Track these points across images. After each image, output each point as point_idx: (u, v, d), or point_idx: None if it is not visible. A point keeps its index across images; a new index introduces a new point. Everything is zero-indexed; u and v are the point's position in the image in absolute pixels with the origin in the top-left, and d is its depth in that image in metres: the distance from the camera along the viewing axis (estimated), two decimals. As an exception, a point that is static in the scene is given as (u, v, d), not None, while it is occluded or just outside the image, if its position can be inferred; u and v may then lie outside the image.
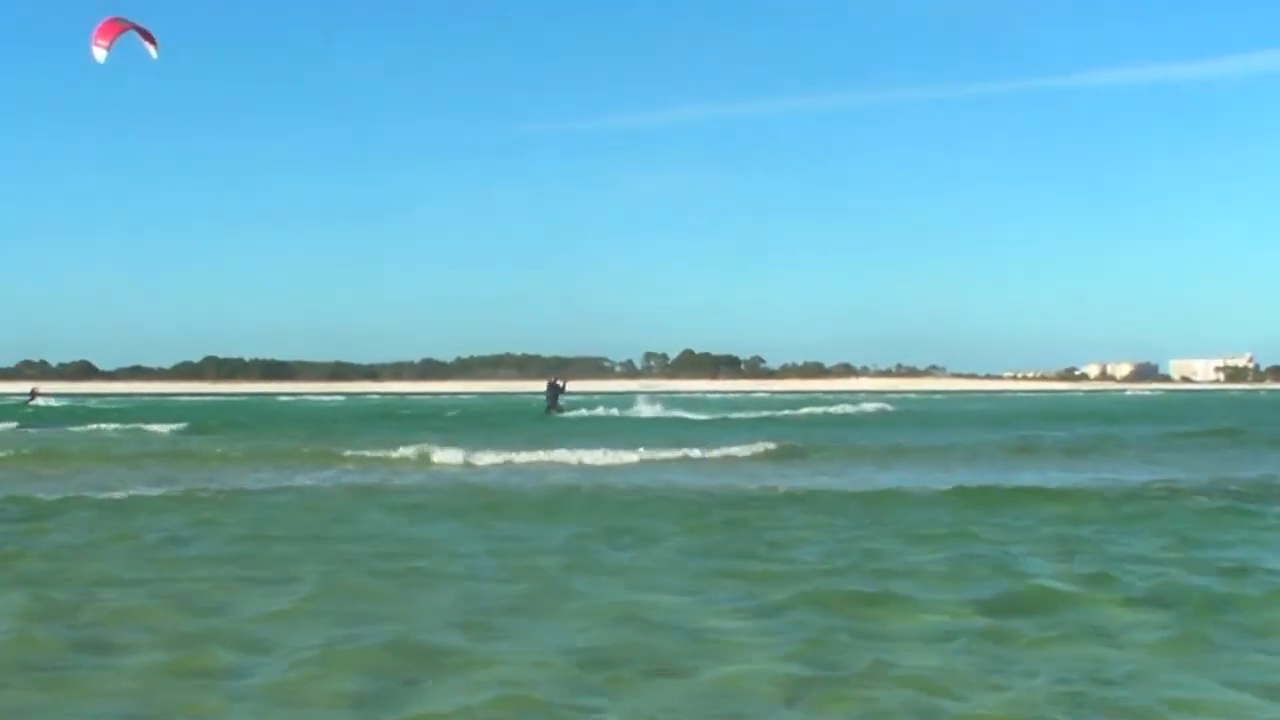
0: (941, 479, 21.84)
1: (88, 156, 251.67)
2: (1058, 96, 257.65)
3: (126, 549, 13.41)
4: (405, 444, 29.99)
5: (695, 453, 30.99)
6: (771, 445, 32.06)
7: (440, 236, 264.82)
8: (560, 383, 43.71)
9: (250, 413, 70.61)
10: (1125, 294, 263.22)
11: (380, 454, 28.69)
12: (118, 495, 19.09)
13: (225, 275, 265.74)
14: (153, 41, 13.98)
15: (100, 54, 11.72)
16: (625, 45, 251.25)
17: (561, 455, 28.39)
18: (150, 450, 33.21)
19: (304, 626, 9.23)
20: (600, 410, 61.60)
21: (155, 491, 19.97)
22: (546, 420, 55.57)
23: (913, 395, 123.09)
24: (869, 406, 76.60)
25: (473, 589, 10.76)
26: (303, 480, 22.66)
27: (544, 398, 41.27)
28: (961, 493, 19.31)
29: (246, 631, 9.10)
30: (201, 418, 58.31)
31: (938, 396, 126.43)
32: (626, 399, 72.09)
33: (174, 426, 48.28)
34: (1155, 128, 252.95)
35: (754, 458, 30.19)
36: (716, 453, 31.15)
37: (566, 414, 58.72)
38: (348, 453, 29.29)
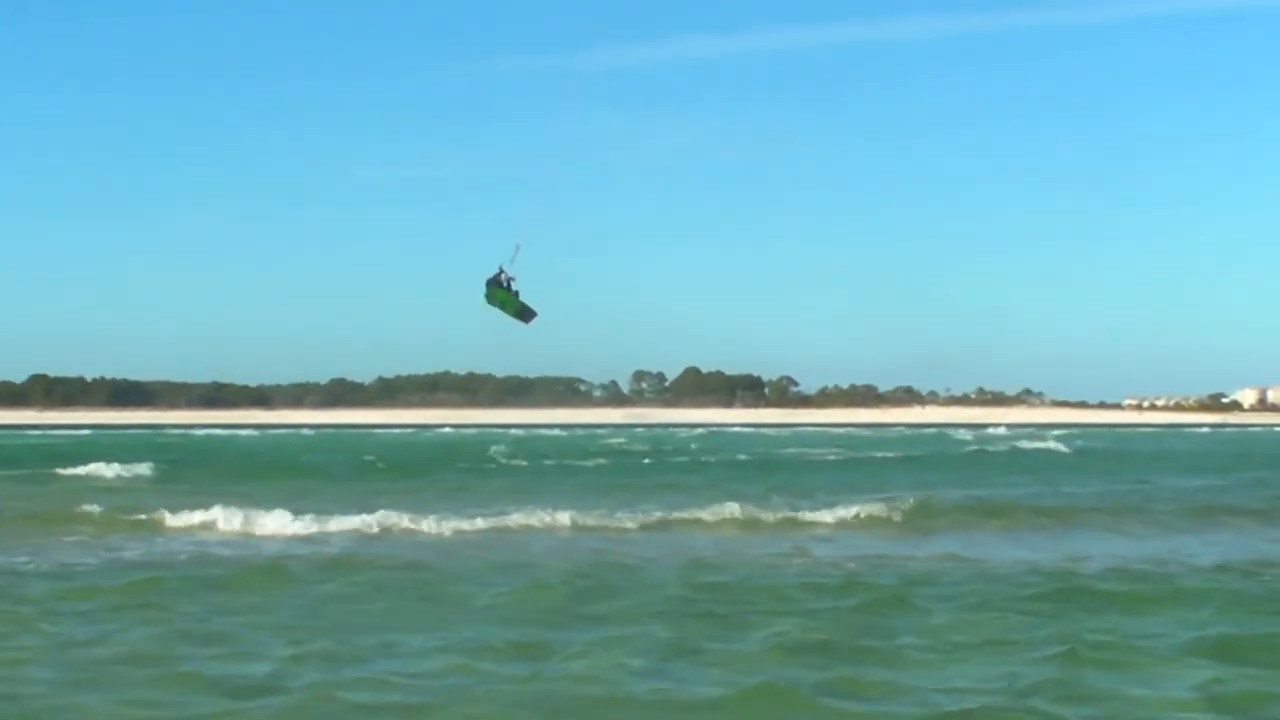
0: None
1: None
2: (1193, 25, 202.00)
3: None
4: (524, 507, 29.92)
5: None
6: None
7: (355, 217, 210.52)
8: (507, 279, 20.53)
9: (131, 452, 59.98)
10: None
11: (519, 522, 28.42)
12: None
13: (58, 272, 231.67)
14: None
15: None
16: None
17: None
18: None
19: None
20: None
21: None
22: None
23: (1087, 429, 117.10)
24: (1025, 444, 72.25)
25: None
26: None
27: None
28: None
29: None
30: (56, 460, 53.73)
31: (1083, 430, 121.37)
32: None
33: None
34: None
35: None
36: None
37: None
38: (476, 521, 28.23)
